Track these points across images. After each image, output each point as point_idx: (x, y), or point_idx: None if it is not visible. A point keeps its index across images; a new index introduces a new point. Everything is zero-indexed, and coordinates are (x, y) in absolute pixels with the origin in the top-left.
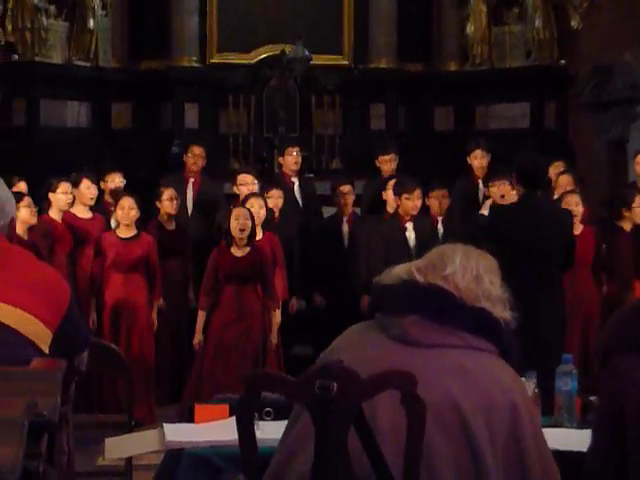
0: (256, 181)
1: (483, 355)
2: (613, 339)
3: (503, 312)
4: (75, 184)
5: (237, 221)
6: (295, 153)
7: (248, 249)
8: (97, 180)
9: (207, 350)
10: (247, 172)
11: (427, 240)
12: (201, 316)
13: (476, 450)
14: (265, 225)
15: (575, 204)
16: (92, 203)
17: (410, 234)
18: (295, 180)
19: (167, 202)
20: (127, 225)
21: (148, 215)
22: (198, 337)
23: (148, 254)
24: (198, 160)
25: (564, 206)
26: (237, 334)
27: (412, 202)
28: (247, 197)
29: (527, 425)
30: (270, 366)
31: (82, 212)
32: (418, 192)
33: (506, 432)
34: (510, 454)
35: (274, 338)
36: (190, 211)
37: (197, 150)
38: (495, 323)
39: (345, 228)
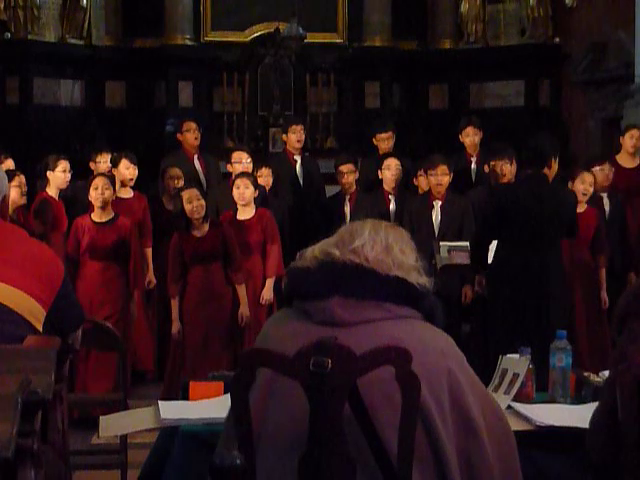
0: (250, 159)
1: (410, 322)
2: (633, 302)
3: (418, 278)
4: (115, 164)
5: (191, 204)
6: (298, 130)
7: (207, 228)
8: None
9: (183, 333)
10: (241, 150)
11: (454, 220)
12: (174, 304)
13: (426, 418)
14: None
15: (590, 184)
16: (132, 183)
17: (437, 213)
18: (298, 158)
19: (170, 181)
20: (102, 208)
21: (146, 194)
22: (176, 326)
23: (125, 239)
24: (197, 135)
25: (578, 183)
26: (209, 314)
27: (435, 178)
28: (235, 177)
29: (465, 383)
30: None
31: (123, 192)
32: (443, 168)
33: (448, 395)
34: (455, 416)
35: (245, 312)
36: (205, 187)
37: (194, 125)
38: (412, 288)
39: (347, 208)
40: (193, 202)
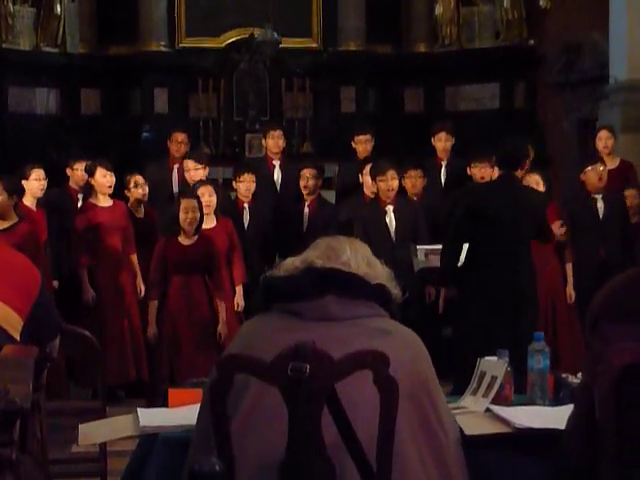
0: (200, 166)
1: (389, 320)
2: (605, 307)
3: (394, 289)
4: (90, 173)
5: (186, 214)
6: (276, 136)
7: (196, 238)
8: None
9: (162, 341)
10: (191, 158)
11: (408, 224)
12: (152, 307)
13: (416, 401)
14: (236, 210)
15: (535, 184)
16: (110, 191)
17: (390, 218)
18: (276, 163)
19: (134, 189)
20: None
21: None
22: (152, 329)
23: (21, 247)
24: (181, 147)
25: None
26: (189, 324)
27: (385, 184)
28: (196, 186)
29: (433, 376)
30: None
31: (102, 201)
32: (392, 173)
33: (423, 380)
34: (421, 403)
35: (222, 330)
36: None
37: (180, 137)
38: (389, 294)
39: (305, 211)
40: (189, 213)
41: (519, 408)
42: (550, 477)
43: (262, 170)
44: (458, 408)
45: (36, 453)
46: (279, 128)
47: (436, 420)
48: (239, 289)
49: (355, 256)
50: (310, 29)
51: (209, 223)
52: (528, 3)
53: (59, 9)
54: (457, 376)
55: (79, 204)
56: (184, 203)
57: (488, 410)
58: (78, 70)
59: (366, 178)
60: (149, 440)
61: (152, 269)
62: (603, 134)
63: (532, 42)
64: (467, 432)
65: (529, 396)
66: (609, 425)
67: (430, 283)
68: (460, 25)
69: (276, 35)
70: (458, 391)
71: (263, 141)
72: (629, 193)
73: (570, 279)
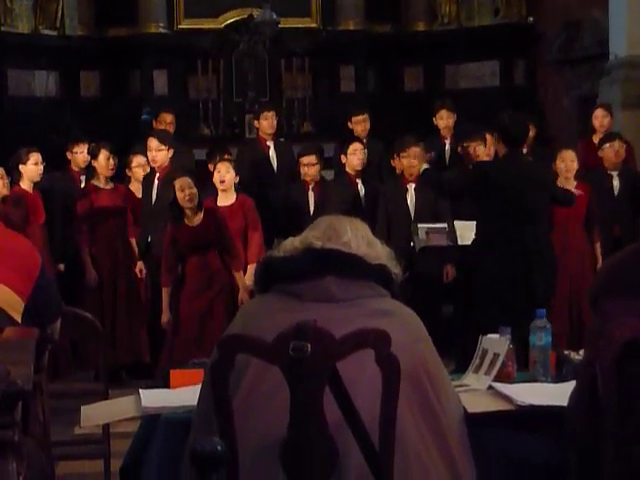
0: (163, 147)
1: (390, 299)
2: (605, 282)
3: (394, 268)
4: (94, 156)
5: (183, 192)
6: (270, 117)
7: (201, 216)
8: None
9: (179, 323)
10: (155, 137)
11: (429, 202)
12: (165, 293)
13: (418, 383)
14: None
15: (571, 160)
16: (112, 173)
17: (411, 195)
18: (270, 144)
19: (137, 169)
20: None
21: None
22: (166, 316)
23: None
24: (169, 127)
25: (559, 162)
26: (208, 301)
27: (408, 160)
28: (218, 161)
29: (435, 358)
30: None
31: (104, 183)
32: (414, 150)
33: (422, 361)
34: (420, 383)
35: (245, 297)
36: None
37: (168, 118)
38: (390, 274)
39: (311, 198)
40: (185, 190)
41: (521, 385)
42: (553, 454)
43: (257, 152)
44: (461, 386)
45: (38, 435)
46: (272, 109)
47: (436, 400)
48: (251, 268)
49: (356, 236)
50: (309, 8)
51: (228, 200)
52: None
53: None
54: (458, 354)
55: (82, 186)
56: (178, 183)
57: (490, 387)
58: (77, 52)
59: (350, 157)
60: (151, 421)
61: (163, 257)
62: (599, 113)
63: (532, 19)
64: (469, 410)
65: (531, 373)
66: (611, 400)
67: (450, 262)
68: (459, 3)
69: (275, 15)
70: (460, 369)
71: (256, 122)
72: None
73: (599, 258)
